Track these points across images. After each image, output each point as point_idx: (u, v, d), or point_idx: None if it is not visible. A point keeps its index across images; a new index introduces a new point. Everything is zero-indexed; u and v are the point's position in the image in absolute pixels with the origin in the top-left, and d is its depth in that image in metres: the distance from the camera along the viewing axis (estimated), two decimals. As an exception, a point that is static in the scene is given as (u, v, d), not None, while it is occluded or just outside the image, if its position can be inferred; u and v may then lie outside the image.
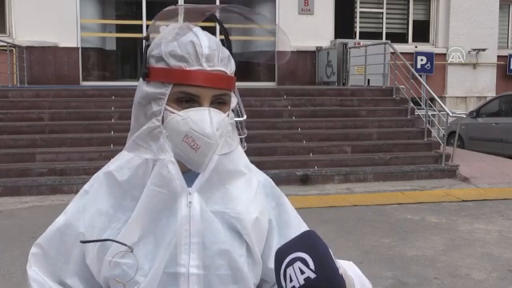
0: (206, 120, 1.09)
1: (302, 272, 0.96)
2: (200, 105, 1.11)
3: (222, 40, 1.18)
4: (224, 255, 1.14)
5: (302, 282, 0.96)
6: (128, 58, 16.27)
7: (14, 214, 6.91)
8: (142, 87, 1.15)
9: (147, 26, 13.72)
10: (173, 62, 1.11)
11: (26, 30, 12.33)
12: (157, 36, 1.16)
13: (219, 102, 1.14)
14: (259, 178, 1.26)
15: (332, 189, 8.38)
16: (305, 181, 8.54)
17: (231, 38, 1.19)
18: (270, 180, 1.30)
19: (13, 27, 12.50)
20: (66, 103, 9.84)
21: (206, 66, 1.11)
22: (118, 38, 15.15)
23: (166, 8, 1.15)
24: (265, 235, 1.21)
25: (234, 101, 1.20)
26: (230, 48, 1.17)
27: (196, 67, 1.10)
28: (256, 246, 1.18)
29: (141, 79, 1.17)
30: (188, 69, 1.10)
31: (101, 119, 9.56)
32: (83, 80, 12.89)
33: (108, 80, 13.57)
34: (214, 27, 1.21)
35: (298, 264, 0.97)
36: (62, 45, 12.58)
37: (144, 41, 1.16)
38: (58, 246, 1.20)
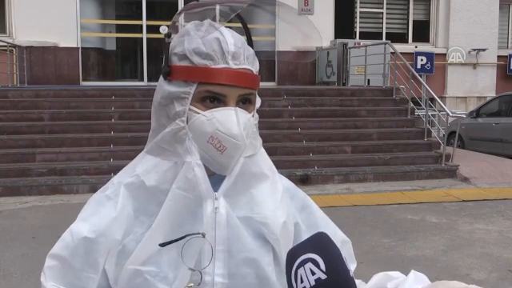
0: (232, 120, 1.04)
1: (313, 273, 0.96)
2: (226, 104, 1.06)
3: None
4: (251, 264, 1.09)
5: (312, 283, 0.96)
6: (128, 58, 16.29)
7: (14, 213, 6.91)
8: (164, 86, 1.09)
9: (147, 26, 13.84)
10: (197, 60, 1.05)
11: (26, 30, 12.34)
12: (177, 34, 1.12)
13: (245, 102, 1.08)
14: (282, 181, 1.22)
15: (332, 189, 8.38)
16: (305, 181, 8.54)
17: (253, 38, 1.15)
18: (291, 182, 1.26)
19: (13, 27, 12.50)
20: (66, 103, 9.84)
21: (232, 64, 1.06)
22: (117, 38, 15.17)
23: (187, 5, 1.12)
24: (291, 240, 1.16)
25: (259, 101, 1.14)
26: (252, 48, 1.13)
27: (222, 65, 1.05)
28: (284, 254, 1.10)
29: (161, 78, 1.10)
30: (214, 67, 1.05)
31: (101, 119, 9.55)
32: (83, 80, 12.89)
33: (108, 80, 13.57)
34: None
35: (309, 265, 0.97)
36: (62, 45, 12.58)
37: (165, 38, 1.10)
38: (86, 256, 1.10)
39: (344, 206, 7.34)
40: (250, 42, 1.13)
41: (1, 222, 6.46)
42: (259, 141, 1.15)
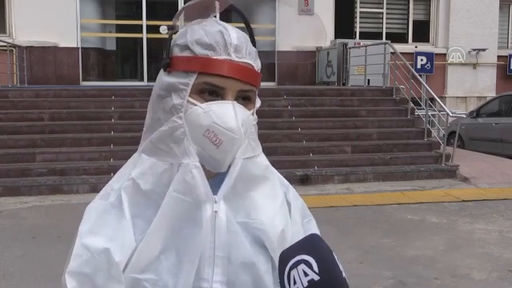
0: (230, 114, 1.01)
1: (306, 274, 0.96)
2: (224, 98, 1.02)
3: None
4: (249, 271, 1.06)
5: (305, 284, 0.96)
6: (128, 58, 16.27)
7: (14, 213, 6.91)
8: (163, 78, 1.06)
9: (147, 26, 13.84)
10: (198, 50, 1.03)
11: (26, 30, 12.33)
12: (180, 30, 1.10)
13: (244, 98, 1.05)
14: (288, 190, 1.19)
15: (332, 189, 8.38)
16: (305, 181, 8.54)
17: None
18: (300, 197, 1.22)
19: (13, 27, 12.51)
20: (66, 103, 9.84)
21: (234, 57, 1.03)
22: (117, 38, 15.16)
23: (190, 2, 1.10)
24: None
25: (259, 101, 1.11)
26: (254, 46, 1.11)
27: (223, 56, 1.03)
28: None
29: (161, 71, 1.08)
30: (215, 57, 1.02)
31: (101, 119, 9.56)
32: (83, 80, 12.89)
33: (108, 80, 13.56)
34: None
35: (302, 266, 0.97)
36: (62, 45, 12.58)
37: (169, 31, 1.09)
38: (108, 270, 1.02)
39: (344, 206, 7.34)
40: (253, 41, 1.11)
41: (1, 222, 6.46)
42: (259, 145, 1.12)
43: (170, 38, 1.08)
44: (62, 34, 12.48)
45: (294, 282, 0.97)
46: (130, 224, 1.05)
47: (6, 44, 11.27)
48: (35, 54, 12.42)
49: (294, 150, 9.26)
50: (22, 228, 6.19)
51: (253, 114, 1.08)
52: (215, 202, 1.04)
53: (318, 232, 1.19)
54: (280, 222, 1.11)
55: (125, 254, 1.03)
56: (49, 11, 12.23)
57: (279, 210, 1.12)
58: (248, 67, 1.05)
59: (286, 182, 1.22)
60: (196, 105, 1.02)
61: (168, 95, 1.05)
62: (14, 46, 11.92)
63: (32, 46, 12.36)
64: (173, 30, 1.09)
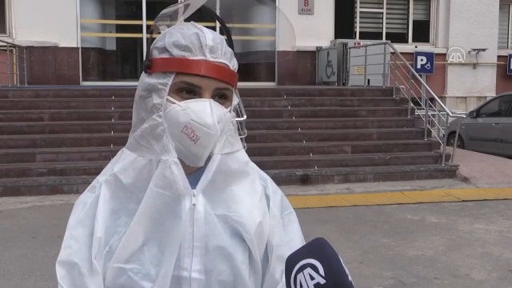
0: (206, 111, 1.07)
1: (312, 278, 0.97)
2: (201, 96, 1.08)
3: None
4: (226, 261, 1.12)
5: None
6: (128, 58, 16.29)
7: (14, 214, 6.91)
8: (144, 79, 1.13)
9: (147, 26, 13.82)
10: (176, 52, 1.09)
11: (26, 30, 12.34)
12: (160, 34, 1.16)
13: (220, 97, 1.11)
14: (266, 184, 1.23)
15: (332, 189, 8.38)
16: (305, 181, 8.54)
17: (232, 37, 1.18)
18: (280, 191, 1.25)
19: (13, 27, 12.51)
20: (66, 103, 9.84)
21: (209, 57, 1.09)
22: (118, 38, 15.17)
23: (167, 7, 1.15)
24: (265, 241, 1.18)
25: (236, 99, 1.17)
26: (232, 47, 1.16)
27: (199, 57, 1.09)
28: (257, 254, 1.15)
29: (143, 73, 1.14)
30: (191, 58, 1.08)
31: (101, 119, 9.56)
32: (83, 80, 12.89)
33: (108, 80, 13.57)
34: (215, 27, 1.21)
35: (308, 270, 0.97)
36: (62, 45, 12.58)
37: (148, 34, 1.16)
38: (91, 259, 1.10)
39: (344, 206, 7.34)
40: (230, 41, 1.17)
41: (1, 222, 6.46)
42: (238, 141, 1.17)
43: (151, 42, 1.14)
44: (62, 33, 12.48)
45: (301, 286, 0.97)
46: (102, 215, 1.11)
47: (5, 44, 11.27)
48: (35, 54, 12.42)
49: (294, 150, 9.26)
50: (22, 228, 6.19)
51: (230, 112, 1.14)
52: (193, 196, 1.11)
53: (297, 223, 1.25)
54: (258, 214, 1.16)
55: (97, 245, 1.10)
56: (49, 11, 12.23)
57: (258, 203, 1.17)
58: (223, 67, 1.11)
59: (265, 176, 1.27)
60: (174, 103, 1.08)
61: (149, 95, 1.11)
62: (14, 45, 11.92)
63: (32, 46, 12.36)
64: (152, 33, 1.16)
